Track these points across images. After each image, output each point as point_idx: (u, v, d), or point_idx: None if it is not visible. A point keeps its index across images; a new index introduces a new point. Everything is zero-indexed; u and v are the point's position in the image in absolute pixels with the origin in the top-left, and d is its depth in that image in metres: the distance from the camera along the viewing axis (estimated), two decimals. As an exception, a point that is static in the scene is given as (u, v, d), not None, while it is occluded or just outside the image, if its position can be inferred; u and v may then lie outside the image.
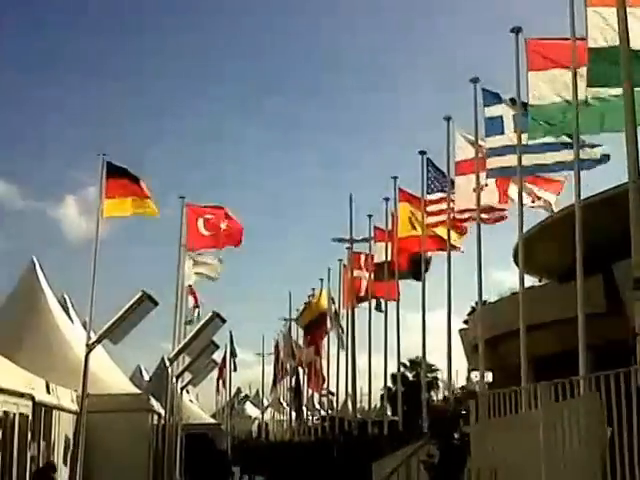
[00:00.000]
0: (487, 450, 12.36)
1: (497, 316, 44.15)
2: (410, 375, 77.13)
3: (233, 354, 57.72)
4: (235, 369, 58.58)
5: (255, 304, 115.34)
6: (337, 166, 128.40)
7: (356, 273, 34.99)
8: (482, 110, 20.16)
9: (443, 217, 24.48)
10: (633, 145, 11.84)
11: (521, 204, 19.03)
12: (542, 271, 52.69)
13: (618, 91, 15.25)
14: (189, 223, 27.34)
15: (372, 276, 33.22)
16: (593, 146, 17.85)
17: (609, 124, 15.75)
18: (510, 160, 19.32)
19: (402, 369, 70.55)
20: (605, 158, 18.23)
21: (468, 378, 33.77)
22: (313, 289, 45.38)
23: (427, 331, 29.17)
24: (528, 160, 18.58)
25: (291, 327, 53.49)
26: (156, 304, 16.49)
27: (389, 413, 50.66)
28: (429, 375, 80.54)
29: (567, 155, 17.65)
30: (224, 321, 19.95)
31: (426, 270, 27.03)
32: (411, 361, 73.33)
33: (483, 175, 21.13)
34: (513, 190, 20.74)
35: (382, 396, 61.36)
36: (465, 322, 58.69)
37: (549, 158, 18.44)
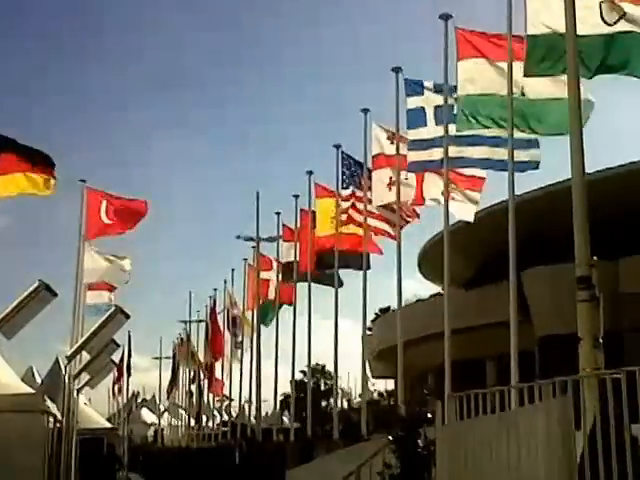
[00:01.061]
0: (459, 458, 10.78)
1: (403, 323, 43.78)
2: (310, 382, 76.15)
3: (129, 356, 55.91)
4: (130, 373, 56.62)
5: (153, 305, 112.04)
6: (247, 161, 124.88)
7: (263, 275, 33.89)
8: (404, 101, 19.42)
9: (359, 215, 23.60)
10: (578, 138, 11.15)
11: (447, 202, 18.29)
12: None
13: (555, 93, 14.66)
14: (89, 209, 23.98)
15: (279, 278, 32.24)
16: (530, 147, 17.10)
17: (547, 124, 15.21)
18: (432, 154, 18.65)
19: (302, 376, 70.03)
20: (536, 164, 17.49)
21: (364, 386, 32.74)
22: (215, 290, 44.08)
23: (328, 338, 28.66)
24: (452, 153, 17.93)
25: (191, 330, 52.14)
26: (55, 295, 15.16)
27: (285, 419, 49.88)
28: (328, 382, 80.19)
29: (495, 152, 17.01)
30: (128, 317, 18.39)
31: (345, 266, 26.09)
32: (312, 368, 72.42)
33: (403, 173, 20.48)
34: (431, 189, 20.06)
35: (281, 402, 60.64)
36: (369, 329, 58.25)
37: (475, 152, 17.69)
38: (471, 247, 41.35)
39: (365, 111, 22.57)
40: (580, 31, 11.85)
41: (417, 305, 50.46)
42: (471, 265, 44.66)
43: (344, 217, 24.40)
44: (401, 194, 20.48)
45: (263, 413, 44.48)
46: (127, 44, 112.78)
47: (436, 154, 18.43)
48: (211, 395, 52.24)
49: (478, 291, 42.37)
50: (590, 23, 12.45)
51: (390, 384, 71.38)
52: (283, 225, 31.39)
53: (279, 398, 40.90)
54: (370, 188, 22.55)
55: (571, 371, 12.68)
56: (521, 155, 16.59)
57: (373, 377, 59.04)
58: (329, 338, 28.71)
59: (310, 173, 27.66)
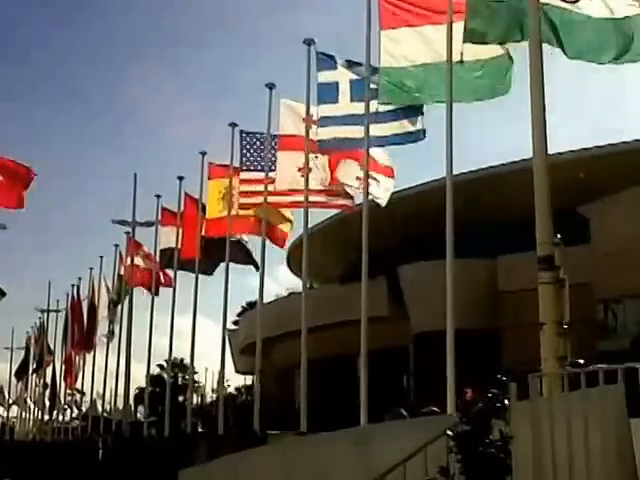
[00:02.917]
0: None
1: (270, 318, 42.82)
2: (167, 376, 74.43)
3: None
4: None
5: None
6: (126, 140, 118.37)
7: (137, 260, 32.15)
8: (315, 76, 18.22)
9: (260, 199, 21.94)
10: (540, 118, 10.34)
11: (367, 187, 17.22)
12: (318, 274, 51.92)
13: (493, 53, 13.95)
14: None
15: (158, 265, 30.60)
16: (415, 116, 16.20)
17: (482, 92, 14.38)
18: (344, 132, 17.59)
19: (159, 370, 68.15)
20: (420, 133, 16.54)
21: (220, 381, 31.69)
22: (79, 279, 41.76)
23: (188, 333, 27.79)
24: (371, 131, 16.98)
25: (49, 319, 49.46)
26: (3, 295, 13.64)
27: (139, 415, 48.19)
28: (187, 377, 78.36)
29: (406, 125, 16.14)
30: (3, 294, 16.29)
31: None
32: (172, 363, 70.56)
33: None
34: (346, 173, 18.98)
35: (135, 397, 58.76)
36: (235, 323, 57.00)
37: (389, 129, 16.65)
38: (346, 242, 40.88)
39: (270, 87, 21.24)
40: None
41: (284, 300, 49.54)
42: (346, 260, 44.10)
43: (247, 201, 22.68)
44: (313, 179, 19.28)
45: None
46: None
47: (350, 132, 17.38)
48: (62, 388, 49.95)
49: (350, 286, 41.83)
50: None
51: (249, 380, 70.46)
52: (163, 209, 29.64)
53: (132, 392, 39.30)
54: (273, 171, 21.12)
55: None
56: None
57: (237, 372, 57.72)
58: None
59: (203, 154, 25.77)
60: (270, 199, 21.29)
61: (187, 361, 73.15)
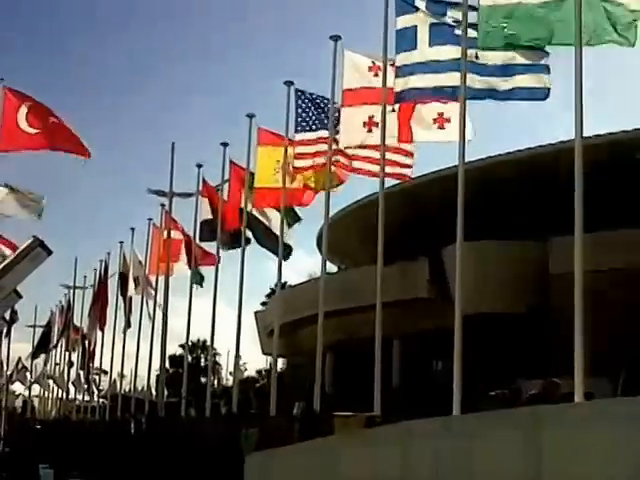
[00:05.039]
0: None
1: (297, 300, 41.15)
2: (190, 358, 73.41)
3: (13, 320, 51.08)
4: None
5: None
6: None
7: (174, 234, 30.22)
8: (393, 22, 16.38)
9: (319, 160, 20.16)
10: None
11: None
12: (348, 255, 50.27)
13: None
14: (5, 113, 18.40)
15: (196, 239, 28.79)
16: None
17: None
18: (424, 80, 15.83)
19: (181, 351, 66.90)
20: (541, 91, 14.64)
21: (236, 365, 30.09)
22: (108, 253, 39.97)
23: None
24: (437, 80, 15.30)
25: (75, 296, 47.76)
26: (50, 253, 13.50)
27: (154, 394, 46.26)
28: (209, 359, 77.09)
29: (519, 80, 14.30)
30: (50, 252, 14.58)
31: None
32: (193, 344, 69.56)
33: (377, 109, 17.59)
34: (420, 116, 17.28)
35: (157, 377, 57.37)
36: (263, 304, 55.49)
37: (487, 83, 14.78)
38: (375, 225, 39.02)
39: (335, 38, 19.32)
40: None
41: (314, 282, 47.77)
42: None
43: (301, 164, 20.82)
44: (378, 137, 17.57)
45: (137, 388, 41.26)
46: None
47: (428, 81, 15.67)
48: (86, 367, 48.45)
49: (390, 268, 40.13)
50: None
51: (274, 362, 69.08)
52: (203, 180, 27.87)
53: (154, 373, 37.79)
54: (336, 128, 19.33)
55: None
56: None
57: (264, 354, 56.17)
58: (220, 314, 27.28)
59: (251, 117, 23.70)
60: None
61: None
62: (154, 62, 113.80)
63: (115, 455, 24.65)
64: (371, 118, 18.03)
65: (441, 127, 17.05)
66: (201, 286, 29.08)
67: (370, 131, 18.10)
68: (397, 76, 16.09)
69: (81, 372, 49.88)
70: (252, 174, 23.71)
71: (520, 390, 15.88)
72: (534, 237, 35.37)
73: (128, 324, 37.00)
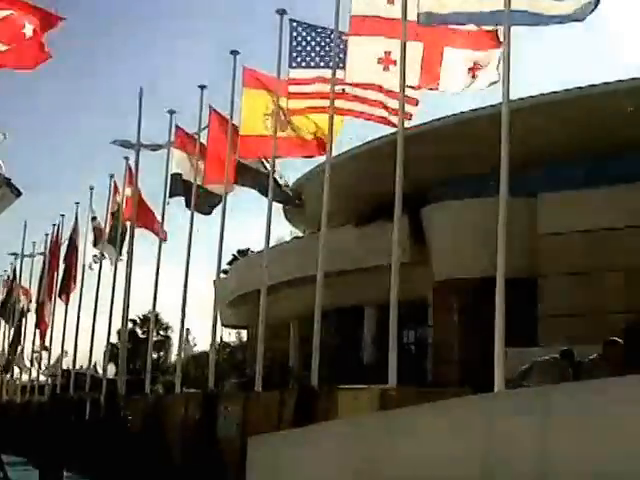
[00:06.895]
0: None
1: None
2: (140, 332, 70.92)
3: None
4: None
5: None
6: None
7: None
8: None
9: (320, 102, 17.41)
10: None
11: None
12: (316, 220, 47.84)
13: None
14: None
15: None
16: None
17: None
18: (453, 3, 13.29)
19: (131, 325, 64.19)
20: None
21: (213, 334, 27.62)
22: (62, 216, 36.52)
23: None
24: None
25: (22, 265, 44.39)
26: (19, 194, 12.93)
27: (99, 370, 43.43)
28: (161, 333, 74.44)
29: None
30: (19, 193, 12.28)
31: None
32: (143, 317, 67.00)
33: (394, 42, 14.97)
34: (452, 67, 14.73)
35: (104, 353, 54.54)
36: (224, 272, 52.79)
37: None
38: (358, 182, 36.71)
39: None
40: None
41: (285, 246, 45.21)
42: (360, 202, 40.17)
43: (296, 105, 17.91)
44: (397, 76, 14.94)
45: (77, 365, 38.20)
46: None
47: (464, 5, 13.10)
48: (32, 342, 45.20)
49: (364, 230, 37.83)
50: None
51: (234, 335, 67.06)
52: (177, 127, 24.91)
53: (102, 349, 34.97)
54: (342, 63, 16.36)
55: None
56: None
57: (223, 326, 53.58)
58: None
59: (235, 53, 20.69)
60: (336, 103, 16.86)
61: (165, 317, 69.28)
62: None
63: (63, 441, 21.77)
64: (388, 54, 15.29)
65: (474, 77, 14.48)
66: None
67: (387, 69, 15.42)
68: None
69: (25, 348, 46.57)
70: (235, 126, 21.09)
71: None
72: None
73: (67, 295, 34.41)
